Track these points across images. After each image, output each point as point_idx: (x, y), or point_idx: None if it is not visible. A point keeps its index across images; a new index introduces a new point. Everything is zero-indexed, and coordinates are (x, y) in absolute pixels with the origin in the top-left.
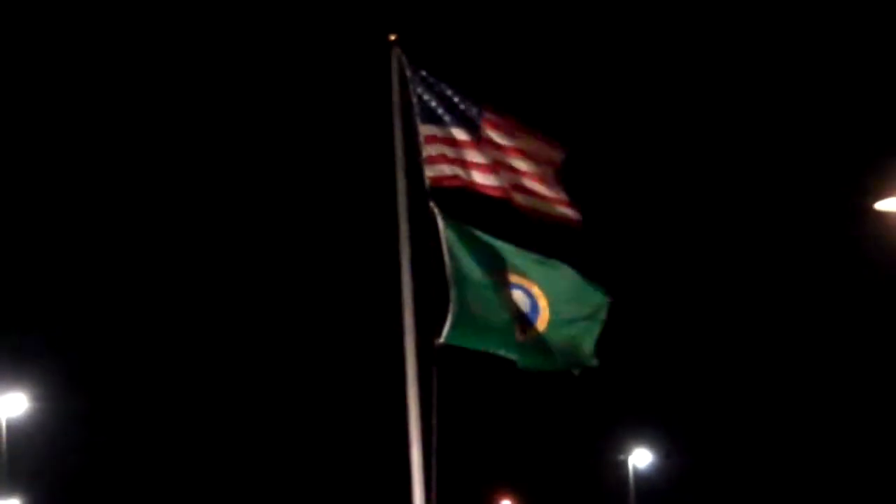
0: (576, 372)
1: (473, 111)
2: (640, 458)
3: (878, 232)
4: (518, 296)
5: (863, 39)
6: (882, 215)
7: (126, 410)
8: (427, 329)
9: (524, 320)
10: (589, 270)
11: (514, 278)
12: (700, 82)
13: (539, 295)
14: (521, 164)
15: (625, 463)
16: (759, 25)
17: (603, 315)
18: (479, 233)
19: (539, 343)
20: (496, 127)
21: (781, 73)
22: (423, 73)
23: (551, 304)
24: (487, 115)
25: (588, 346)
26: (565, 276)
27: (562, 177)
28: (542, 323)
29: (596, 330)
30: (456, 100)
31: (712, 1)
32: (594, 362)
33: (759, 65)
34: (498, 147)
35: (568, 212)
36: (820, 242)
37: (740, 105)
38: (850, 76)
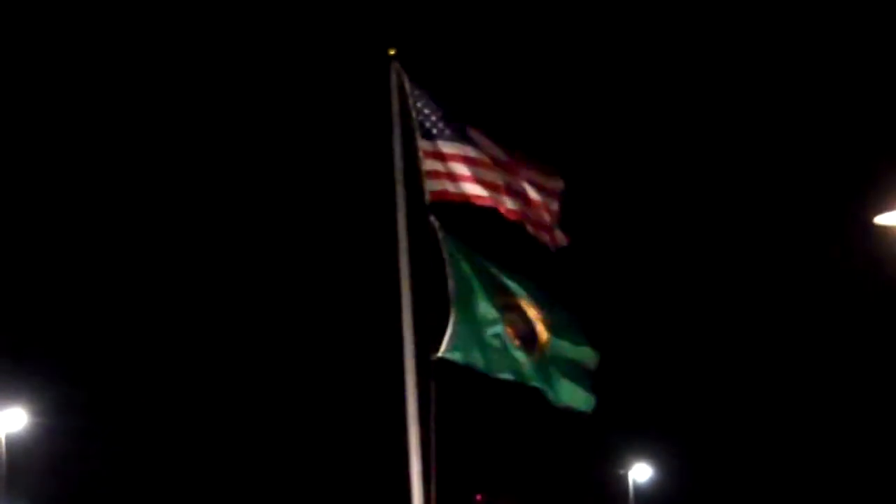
0: (587, 410)
1: (467, 126)
2: (640, 473)
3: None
4: (514, 318)
5: (862, 52)
6: (882, 230)
7: (125, 425)
8: (427, 342)
9: (523, 340)
10: (588, 286)
11: (510, 300)
12: (699, 92)
13: (536, 319)
14: (517, 183)
15: (625, 477)
16: (758, 35)
17: (594, 364)
18: (474, 256)
19: (538, 364)
20: (489, 145)
21: (780, 87)
22: (422, 87)
23: (550, 329)
24: (476, 135)
25: (584, 388)
26: (561, 310)
27: (561, 202)
28: (539, 347)
29: (588, 378)
30: (454, 115)
31: (707, 16)
32: (590, 406)
33: (757, 77)
34: (495, 163)
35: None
36: (819, 257)
37: (739, 119)
38: (849, 90)
